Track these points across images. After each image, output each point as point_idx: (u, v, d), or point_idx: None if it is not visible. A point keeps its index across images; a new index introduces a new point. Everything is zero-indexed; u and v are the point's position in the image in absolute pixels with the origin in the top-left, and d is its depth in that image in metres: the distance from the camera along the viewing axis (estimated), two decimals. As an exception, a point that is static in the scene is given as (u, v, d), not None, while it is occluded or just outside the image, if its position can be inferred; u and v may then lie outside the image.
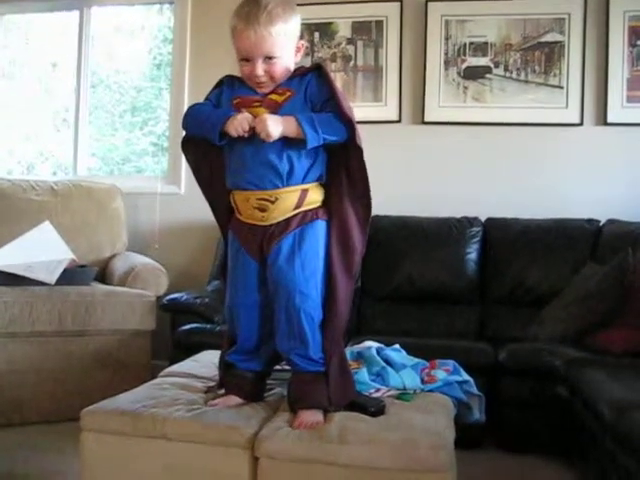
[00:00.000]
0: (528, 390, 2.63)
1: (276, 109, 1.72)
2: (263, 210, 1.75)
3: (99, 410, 1.73)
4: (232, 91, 1.82)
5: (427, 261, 3.34)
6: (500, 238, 3.36)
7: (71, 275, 3.18)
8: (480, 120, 3.63)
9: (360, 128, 3.70)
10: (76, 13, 4.28)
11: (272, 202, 1.73)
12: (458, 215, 3.45)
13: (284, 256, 1.74)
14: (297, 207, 1.75)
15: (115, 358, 3.05)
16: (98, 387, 2.83)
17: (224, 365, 1.90)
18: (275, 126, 1.64)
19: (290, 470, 1.56)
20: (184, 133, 1.89)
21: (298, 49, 1.80)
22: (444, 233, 3.39)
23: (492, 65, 3.63)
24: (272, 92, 1.76)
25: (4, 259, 3.12)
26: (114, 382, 2.88)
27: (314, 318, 1.74)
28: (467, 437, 2.40)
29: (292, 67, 1.79)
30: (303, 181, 1.75)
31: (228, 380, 1.86)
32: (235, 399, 1.81)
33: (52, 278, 3.08)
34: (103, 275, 3.55)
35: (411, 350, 2.18)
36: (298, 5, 3.59)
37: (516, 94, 3.61)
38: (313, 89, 1.75)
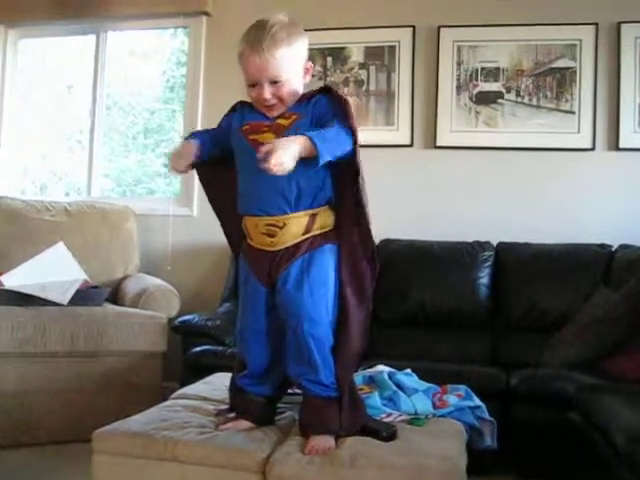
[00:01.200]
0: (540, 416, 2.60)
1: (282, 133, 1.72)
2: (272, 236, 1.76)
3: (111, 432, 1.73)
4: (242, 117, 1.84)
5: (439, 286, 3.33)
6: (512, 262, 3.35)
7: (84, 296, 3.20)
8: (492, 145, 3.65)
9: (372, 152, 3.72)
10: (92, 37, 4.35)
11: (280, 228, 1.74)
12: (470, 239, 3.45)
13: (292, 282, 1.74)
14: (306, 232, 1.76)
15: (126, 379, 3.05)
16: (109, 408, 2.83)
17: (234, 389, 1.90)
18: (286, 155, 1.55)
19: (303, 495, 1.55)
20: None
21: (306, 70, 1.82)
22: (456, 257, 3.38)
23: (504, 90, 3.64)
24: (280, 117, 1.77)
25: (18, 279, 3.14)
26: (125, 403, 2.87)
27: (324, 343, 1.73)
28: (479, 463, 2.40)
29: (300, 89, 1.80)
30: (311, 206, 1.75)
31: (238, 404, 1.87)
32: (246, 423, 1.81)
33: (65, 298, 3.09)
34: (115, 296, 3.56)
35: (423, 375, 2.18)
36: (312, 30, 3.66)
37: (528, 119, 3.62)
38: (320, 109, 1.75)
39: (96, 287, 3.41)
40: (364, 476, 1.52)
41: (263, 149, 1.56)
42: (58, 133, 4.66)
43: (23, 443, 2.81)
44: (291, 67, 1.75)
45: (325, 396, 1.73)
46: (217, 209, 1.97)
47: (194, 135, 1.90)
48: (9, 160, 4.45)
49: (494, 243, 3.43)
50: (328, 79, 3.86)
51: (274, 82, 1.73)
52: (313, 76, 3.73)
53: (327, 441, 1.68)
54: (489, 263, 3.36)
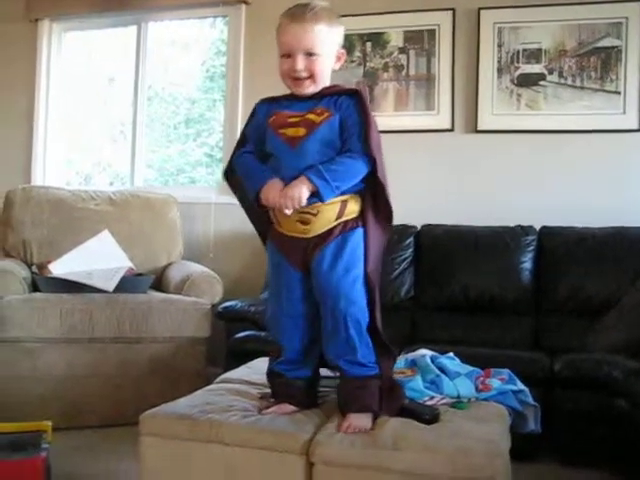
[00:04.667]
0: (585, 402, 2.58)
1: (313, 129, 1.76)
2: (305, 223, 1.79)
3: (158, 414, 1.77)
4: (268, 109, 1.87)
5: (481, 270, 3.31)
6: (556, 247, 3.31)
7: (129, 283, 3.26)
8: (534, 127, 3.59)
9: (413, 137, 3.70)
10: (134, 29, 4.41)
11: (314, 215, 1.77)
12: (512, 224, 3.41)
13: (327, 263, 1.76)
14: (338, 218, 1.79)
15: (171, 364, 3.10)
16: (154, 392, 2.88)
17: (273, 375, 1.92)
18: (299, 192, 1.68)
19: (344, 476, 1.57)
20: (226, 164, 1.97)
21: (338, 58, 1.85)
22: (498, 242, 3.35)
23: (546, 72, 3.58)
24: (310, 111, 1.78)
25: (65, 267, 3.22)
26: (170, 388, 2.92)
27: (361, 322, 1.76)
28: (523, 449, 2.38)
29: (329, 73, 1.83)
30: (343, 192, 1.77)
31: (279, 389, 1.89)
32: (288, 407, 1.83)
33: (110, 286, 3.16)
34: (159, 283, 3.61)
35: (465, 359, 2.17)
36: (351, 15, 3.68)
37: (571, 101, 3.55)
38: (345, 113, 1.78)
39: (141, 274, 3.47)
40: (406, 458, 1.53)
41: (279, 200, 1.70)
42: (101, 124, 4.74)
43: (74, 426, 2.88)
44: (327, 45, 1.79)
45: (363, 375, 1.75)
46: (247, 208, 1.99)
47: (267, 174, 1.82)
48: (54, 151, 4.54)
49: (537, 227, 3.38)
50: (368, 64, 3.85)
51: (308, 54, 1.76)
52: (352, 62, 3.79)
53: (364, 420, 1.70)
54: (532, 247, 3.32)
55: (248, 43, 4.08)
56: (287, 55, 1.79)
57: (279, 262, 1.86)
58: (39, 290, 3.18)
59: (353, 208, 1.80)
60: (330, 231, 1.78)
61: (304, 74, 1.78)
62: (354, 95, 1.80)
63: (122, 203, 3.81)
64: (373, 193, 1.81)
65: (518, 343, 3.10)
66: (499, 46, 3.63)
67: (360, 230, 1.80)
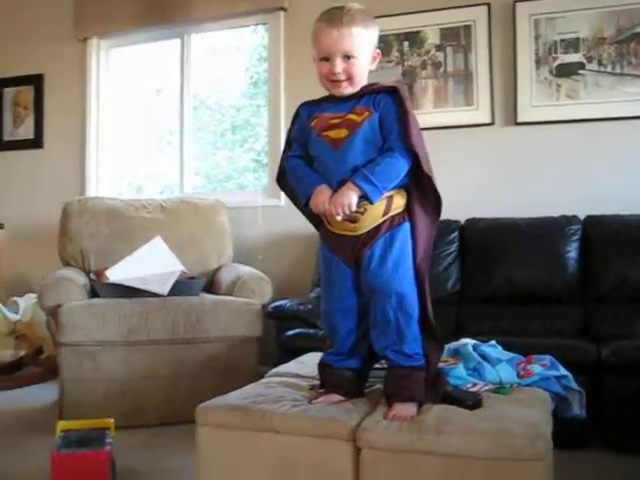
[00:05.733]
0: (633, 389, 2.58)
1: (355, 129, 1.81)
2: (354, 221, 1.84)
3: (212, 406, 1.87)
4: (310, 112, 1.93)
5: (526, 261, 3.33)
6: (600, 235, 3.30)
7: (182, 286, 3.37)
8: (575, 117, 3.58)
9: (453, 133, 3.73)
10: (177, 41, 4.55)
11: (362, 213, 1.83)
12: (556, 214, 3.42)
13: (377, 259, 1.83)
14: (385, 214, 1.85)
15: (224, 363, 3.18)
16: (209, 391, 2.92)
17: (323, 366, 2.00)
18: (348, 199, 1.75)
19: (391, 460, 1.63)
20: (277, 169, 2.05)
21: (374, 58, 1.90)
22: (542, 233, 3.36)
23: (585, 60, 3.57)
24: (351, 112, 1.84)
25: (121, 273, 3.36)
26: (223, 386, 2.97)
27: (410, 315, 1.82)
28: (571, 436, 2.41)
29: (366, 73, 1.88)
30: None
31: (328, 380, 1.96)
32: (336, 397, 1.90)
33: (165, 289, 3.28)
34: (211, 285, 3.72)
35: (511, 349, 2.19)
36: (387, 16, 3.75)
37: (612, 88, 3.53)
38: (384, 110, 1.82)
39: (193, 278, 3.59)
40: (449, 442, 1.59)
41: (329, 208, 1.77)
42: (150, 136, 4.89)
43: (135, 425, 2.98)
44: (363, 47, 1.84)
45: (410, 366, 1.80)
46: (300, 209, 2.05)
47: (316, 181, 1.88)
48: (107, 164, 4.72)
49: (581, 217, 3.38)
50: (405, 63, 3.90)
51: (346, 57, 1.81)
52: (390, 62, 3.84)
53: (409, 409, 1.75)
54: (577, 237, 3.33)
55: (288, 49, 4.17)
56: (325, 59, 1.84)
57: (330, 259, 1.94)
58: (97, 296, 3.32)
59: (399, 203, 1.86)
60: (378, 228, 1.84)
61: (342, 76, 1.83)
62: (392, 92, 1.84)
63: (173, 210, 3.94)
64: (419, 185, 1.86)
65: (565, 333, 3.10)
66: (536, 38, 3.64)
67: (407, 225, 1.86)
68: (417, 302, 1.84)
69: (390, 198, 1.84)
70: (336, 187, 1.81)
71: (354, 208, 1.76)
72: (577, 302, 3.25)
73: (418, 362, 1.82)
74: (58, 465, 2.11)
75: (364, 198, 1.77)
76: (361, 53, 1.83)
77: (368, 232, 1.85)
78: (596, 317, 3.18)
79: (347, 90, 1.86)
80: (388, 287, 1.80)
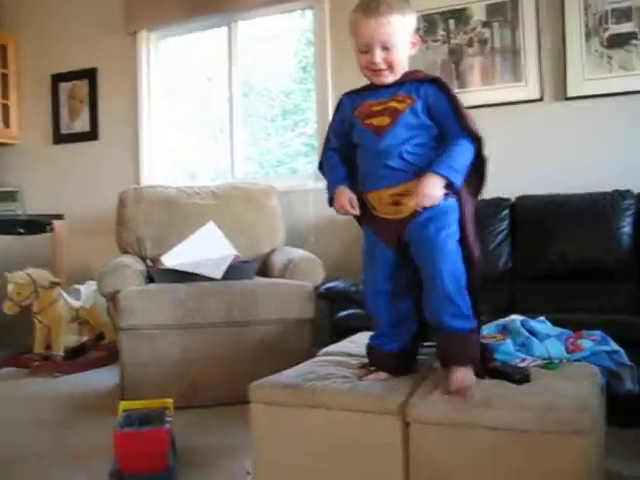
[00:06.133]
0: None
1: (397, 116, 1.84)
2: (398, 204, 1.88)
3: (265, 384, 1.94)
4: (353, 102, 1.96)
5: (579, 238, 3.27)
6: (656, 209, 3.24)
7: (235, 270, 3.44)
8: (629, 89, 3.48)
9: (502, 110, 3.68)
10: (225, 29, 4.61)
11: (405, 195, 1.85)
12: (609, 189, 3.35)
13: (422, 229, 1.83)
14: None
15: (278, 345, 3.24)
16: (264, 372, 2.97)
17: (370, 347, 2.04)
18: (436, 191, 1.77)
19: (439, 433, 1.66)
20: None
21: (413, 44, 1.90)
22: (595, 208, 3.30)
23: (638, 30, 3.48)
24: (392, 99, 1.86)
25: (175, 259, 3.45)
26: (278, 367, 3.01)
27: (458, 277, 1.81)
28: (627, 412, 2.39)
29: (407, 60, 1.90)
30: (428, 168, 1.82)
31: (374, 360, 2.00)
32: (384, 374, 1.93)
33: (219, 273, 3.36)
34: (264, 269, 3.79)
35: (563, 325, 2.17)
36: (431, -4, 3.69)
37: (667, 57, 3.44)
38: (433, 100, 1.85)
39: (246, 261, 3.65)
40: (495, 415, 1.61)
41: (419, 200, 1.77)
42: (203, 123, 4.97)
43: (192, 405, 3.07)
44: (402, 35, 1.85)
45: (464, 328, 1.80)
46: None
47: (337, 181, 1.99)
48: (160, 153, 4.83)
49: (635, 191, 3.31)
50: (452, 42, 3.86)
51: (385, 48, 1.83)
52: (436, 41, 3.81)
53: (469, 375, 1.76)
54: (631, 212, 3.26)
55: (333, 33, 4.18)
56: (364, 49, 1.86)
57: (374, 242, 1.97)
58: (154, 281, 3.43)
59: None
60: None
61: (383, 66, 1.85)
62: (436, 82, 1.87)
63: (224, 196, 4.02)
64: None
65: (620, 309, 3.04)
66: (585, 9, 3.56)
67: (451, 199, 1.85)
68: (464, 267, 1.83)
69: None
70: (382, 172, 1.86)
71: (441, 199, 1.79)
72: (631, 278, 3.19)
73: (472, 324, 1.82)
74: (121, 442, 2.20)
75: (448, 188, 1.80)
76: (400, 41, 1.85)
77: (411, 213, 1.86)
78: (652, 292, 3.12)
79: (388, 79, 1.88)
80: (434, 248, 1.80)
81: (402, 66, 1.88)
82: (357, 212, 1.93)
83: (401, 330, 1.97)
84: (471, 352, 1.80)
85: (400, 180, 1.86)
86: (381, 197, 1.90)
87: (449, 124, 1.83)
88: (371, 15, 1.82)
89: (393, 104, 1.86)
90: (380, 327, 2.00)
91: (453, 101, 1.84)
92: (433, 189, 1.77)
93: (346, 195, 1.92)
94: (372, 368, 2.00)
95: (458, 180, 1.80)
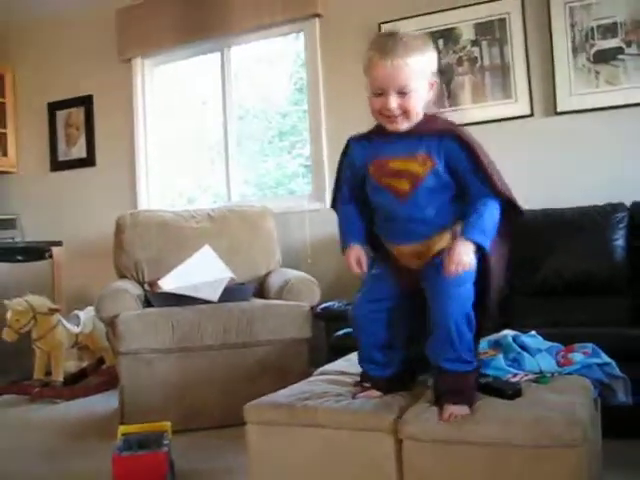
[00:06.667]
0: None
1: (418, 182, 1.77)
2: (420, 257, 1.86)
3: (259, 404, 1.96)
4: (364, 151, 1.88)
5: (573, 252, 3.28)
6: (649, 221, 3.26)
7: (232, 292, 3.46)
8: (616, 103, 3.53)
9: (494, 127, 3.67)
10: (217, 55, 4.67)
11: (425, 251, 1.85)
12: (601, 203, 3.38)
13: (437, 272, 1.76)
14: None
15: (276, 365, 3.24)
16: (262, 393, 2.98)
17: (361, 371, 2.04)
18: (469, 258, 1.70)
19: (431, 450, 1.67)
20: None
21: (431, 86, 1.79)
22: (588, 222, 3.31)
23: (624, 45, 3.51)
24: (411, 158, 1.77)
25: (172, 282, 3.48)
26: (276, 388, 3.04)
27: (467, 327, 1.77)
28: (622, 425, 2.39)
29: (423, 104, 1.79)
30: (450, 223, 1.83)
31: (367, 380, 2.00)
32: (377, 393, 1.93)
33: (215, 296, 3.38)
34: (261, 290, 3.81)
35: (557, 339, 2.17)
36: (420, 15, 3.76)
37: (654, 71, 3.48)
38: (453, 158, 1.77)
39: (242, 284, 3.68)
40: (488, 431, 1.62)
41: (451, 268, 1.69)
42: (200, 147, 5.01)
43: (191, 428, 3.08)
44: (420, 78, 1.74)
45: (461, 370, 1.77)
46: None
47: (351, 237, 1.96)
48: (157, 177, 4.87)
49: (627, 204, 3.34)
50: (442, 61, 3.91)
51: (401, 93, 1.72)
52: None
53: (463, 409, 1.71)
54: (623, 224, 3.28)
55: (325, 55, 4.22)
56: (379, 92, 1.74)
57: (383, 272, 1.94)
58: (152, 305, 3.45)
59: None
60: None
61: (397, 112, 1.74)
62: (455, 137, 1.77)
63: (220, 219, 4.05)
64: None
65: (614, 322, 3.05)
66: (572, 25, 3.60)
67: None
68: (475, 318, 1.79)
69: (455, 229, 1.82)
70: (404, 231, 1.85)
71: (472, 262, 1.71)
72: (625, 291, 3.20)
73: (470, 367, 1.80)
74: (119, 466, 2.22)
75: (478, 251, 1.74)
76: (418, 85, 1.74)
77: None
78: (647, 305, 3.13)
79: (403, 125, 1.78)
80: (448, 300, 1.75)
81: (418, 112, 1.78)
82: (364, 271, 1.91)
83: (390, 359, 1.96)
84: (467, 394, 1.76)
85: (423, 237, 1.84)
86: (402, 251, 1.90)
87: (470, 180, 1.77)
88: (387, 57, 1.69)
89: (414, 167, 1.77)
90: (369, 354, 1.99)
91: (474, 157, 1.76)
92: (465, 256, 1.70)
93: (355, 254, 1.91)
94: (366, 384, 2.00)
95: (487, 243, 1.73)
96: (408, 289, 1.91)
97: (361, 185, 1.92)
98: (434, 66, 1.80)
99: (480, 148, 1.80)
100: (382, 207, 1.88)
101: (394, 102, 1.72)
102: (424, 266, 1.85)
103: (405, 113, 1.75)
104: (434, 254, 1.84)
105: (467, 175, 1.78)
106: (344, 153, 1.96)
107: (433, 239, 1.84)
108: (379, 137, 1.85)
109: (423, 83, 1.76)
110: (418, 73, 1.73)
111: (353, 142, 1.93)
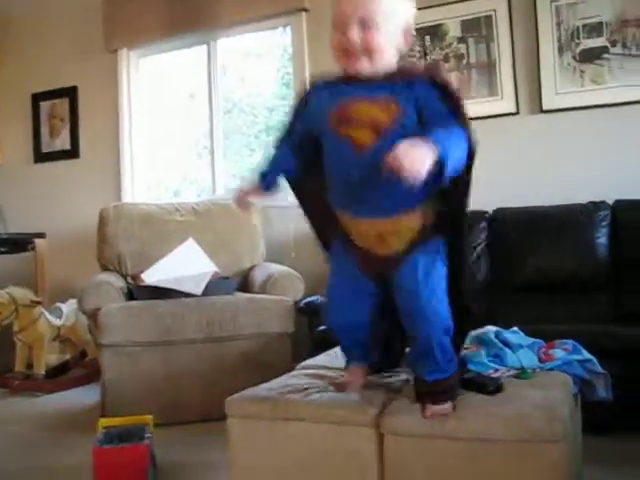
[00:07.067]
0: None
1: (380, 131, 1.52)
2: (384, 241, 1.67)
3: (240, 398, 1.95)
4: (326, 100, 1.63)
5: (556, 250, 3.32)
6: (631, 220, 3.27)
7: (215, 286, 3.45)
8: (601, 102, 3.54)
9: (479, 124, 3.70)
10: (204, 48, 4.64)
11: (394, 234, 1.65)
12: (584, 201, 3.40)
13: (411, 281, 1.65)
14: (419, 232, 1.67)
15: (259, 360, 3.24)
16: (245, 387, 2.97)
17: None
18: (423, 156, 1.35)
19: (412, 444, 1.67)
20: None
21: (406, 36, 1.58)
22: (571, 220, 3.34)
23: (609, 44, 3.53)
24: (374, 103, 1.53)
25: (156, 275, 3.46)
26: (259, 382, 3.02)
27: (446, 337, 1.69)
28: (599, 421, 2.40)
29: (392, 53, 1.57)
30: (420, 202, 1.63)
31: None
32: (357, 371, 1.90)
33: (199, 290, 3.37)
34: (245, 284, 3.80)
35: (539, 336, 2.17)
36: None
37: (638, 71, 3.49)
38: (427, 105, 1.53)
39: (226, 278, 3.67)
40: (469, 426, 1.62)
41: (394, 163, 1.34)
42: (186, 141, 4.99)
43: (174, 422, 3.06)
44: (390, 17, 1.52)
45: (440, 378, 1.71)
46: (308, 212, 1.97)
47: (267, 174, 1.76)
48: (142, 170, 4.84)
49: (610, 202, 3.36)
50: (428, 57, 3.91)
51: (364, 26, 1.51)
52: (413, 57, 3.84)
53: (445, 408, 1.67)
54: (606, 222, 3.31)
55: (311, 49, 4.22)
56: (341, 27, 1.53)
57: (348, 268, 1.77)
58: (135, 298, 3.43)
59: (430, 217, 1.65)
60: (410, 247, 1.65)
61: (357, 46, 1.51)
62: (429, 79, 1.54)
63: (204, 212, 4.04)
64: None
65: (597, 319, 3.07)
66: (558, 24, 3.62)
67: (440, 241, 1.68)
68: (451, 319, 1.68)
69: (427, 211, 1.63)
70: (363, 197, 1.59)
71: (423, 176, 1.35)
72: (607, 288, 3.23)
73: (449, 372, 1.73)
74: (100, 459, 2.20)
75: (434, 179, 1.40)
76: (385, 23, 1.51)
77: (397, 253, 1.65)
78: (628, 303, 3.16)
79: (364, 65, 1.54)
80: (426, 312, 1.63)
81: (384, 57, 1.54)
82: (247, 209, 1.72)
83: (367, 355, 1.92)
84: (448, 392, 1.70)
85: (386, 212, 1.60)
86: (362, 230, 1.67)
87: (440, 115, 1.51)
88: None
89: (375, 113, 1.52)
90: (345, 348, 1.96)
91: (455, 101, 1.54)
92: (420, 159, 1.34)
93: (250, 194, 1.68)
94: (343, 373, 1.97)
95: (449, 167, 1.41)
96: (374, 277, 1.74)
97: (309, 145, 1.69)
98: (411, 17, 1.58)
99: (459, 92, 1.58)
100: (338, 166, 1.60)
101: (355, 34, 1.51)
102: (393, 272, 1.66)
103: (367, 50, 1.52)
104: (403, 252, 1.65)
105: (436, 115, 1.51)
106: (302, 100, 1.73)
107: (399, 218, 1.60)
108: (344, 82, 1.60)
109: (393, 25, 1.54)
110: (388, 12, 1.52)
111: (317, 89, 1.70)
